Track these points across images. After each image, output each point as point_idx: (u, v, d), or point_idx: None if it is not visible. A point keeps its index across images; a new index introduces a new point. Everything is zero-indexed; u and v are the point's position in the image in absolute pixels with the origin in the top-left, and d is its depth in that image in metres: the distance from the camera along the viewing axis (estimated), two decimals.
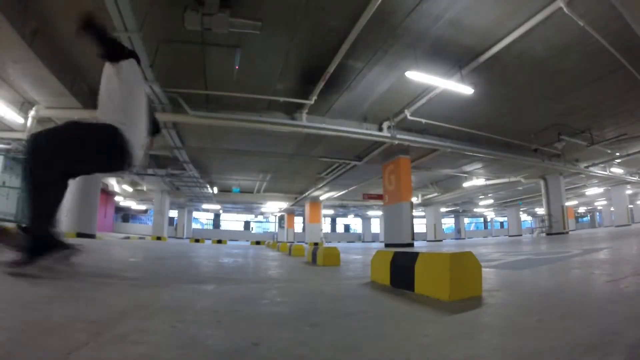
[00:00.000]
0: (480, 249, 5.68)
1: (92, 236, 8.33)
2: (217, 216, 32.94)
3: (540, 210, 23.41)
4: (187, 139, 10.32)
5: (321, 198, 20.53)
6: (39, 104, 7.72)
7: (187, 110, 7.57)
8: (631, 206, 20.58)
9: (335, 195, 19.53)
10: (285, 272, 2.68)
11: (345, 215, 31.96)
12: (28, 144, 1.74)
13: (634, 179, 16.55)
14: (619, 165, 14.72)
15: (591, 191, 20.28)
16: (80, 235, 7.95)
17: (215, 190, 18.41)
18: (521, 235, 23.91)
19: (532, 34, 5.62)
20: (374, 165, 11.97)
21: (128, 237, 14.95)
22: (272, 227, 32.19)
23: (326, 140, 9.83)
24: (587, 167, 14.00)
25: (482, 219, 39.00)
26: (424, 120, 8.75)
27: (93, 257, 3.19)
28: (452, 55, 6.38)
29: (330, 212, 28.44)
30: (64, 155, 1.74)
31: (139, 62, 2.10)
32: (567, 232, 13.66)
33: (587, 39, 5.71)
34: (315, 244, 14.79)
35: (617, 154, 12.43)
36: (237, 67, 6.39)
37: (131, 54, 2.05)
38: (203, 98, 7.86)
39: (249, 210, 28.50)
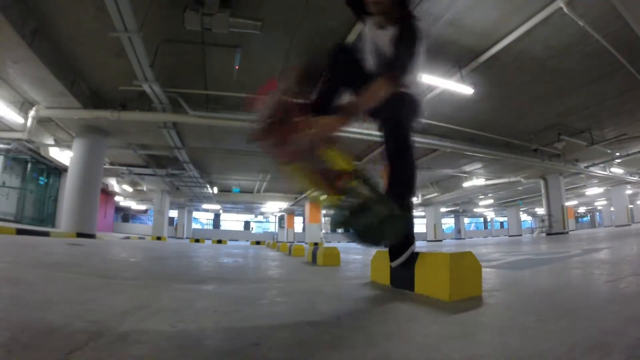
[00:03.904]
0: (480, 249, 5.68)
1: (92, 236, 8.32)
2: (217, 216, 32.93)
3: (540, 210, 23.41)
4: (187, 139, 10.33)
5: (321, 198, 20.50)
6: (39, 104, 7.72)
7: (187, 110, 7.57)
8: (631, 206, 20.56)
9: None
10: (285, 272, 2.68)
11: None
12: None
13: (634, 179, 16.54)
14: (619, 165, 14.71)
15: (591, 191, 20.27)
16: (80, 235, 7.95)
17: (215, 190, 18.41)
18: (521, 235, 23.90)
19: (532, 34, 5.62)
20: (374, 165, 11.97)
21: (128, 237, 14.95)
22: (272, 227, 32.19)
23: None
24: (587, 167, 14.00)
25: (482, 219, 38.98)
26: (424, 120, 8.75)
27: (93, 257, 3.19)
28: (452, 55, 6.38)
29: (330, 212, 28.38)
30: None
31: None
32: (567, 232, 13.65)
33: (587, 39, 5.72)
34: (315, 244, 14.79)
35: (617, 154, 12.43)
36: (237, 67, 6.39)
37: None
38: (203, 98, 7.87)
39: (249, 210, 28.49)
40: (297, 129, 1.38)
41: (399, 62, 1.52)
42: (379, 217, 1.33)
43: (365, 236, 1.36)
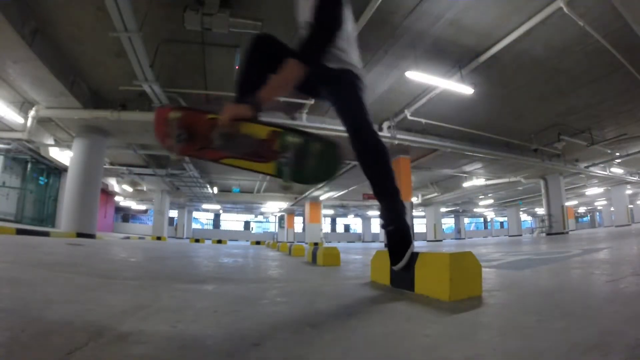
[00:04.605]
0: (480, 249, 5.68)
1: (92, 236, 8.32)
2: (217, 216, 32.93)
3: (540, 210, 23.41)
4: None
5: (321, 198, 20.54)
6: (39, 104, 7.73)
7: None
8: (631, 206, 20.56)
9: (335, 195, 19.53)
10: (285, 272, 2.68)
11: (345, 215, 31.95)
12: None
13: (634, 179, 16.55)
14: (619, 165, 14.73)
15: (591, 191, 20.28)
16: (80, 235, 7.95)
17: (215, 190, 18.42)
18: (521, 235, 23.91)
19: (532, 34, 5.62)
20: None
21: (128, 237, 14.95)
22: (272, 227, 32.19)
23: None
24: (587, 167, 14.01)
25: (482, 219, 38.99)
26: (424, 120, 8.76)
27: (93, 257, 3.19)
28: (452, 55, 6.38)
29: (330, 212, 28.43)
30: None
31: None
32: (567, 232, 13.66)
33: (587, 39, 5.72)
34: (315, 244, 14.80)
35: (617, 154, 12.44)
36: (237, 67, 6.39)
37: None
38: (203, 98, 7.87)
39: (249, 210, 28.50)
40: (208, 128, 1.43)
41: (313, 36, 1.40)
42: (318, 153, 1.40)
43: (316, 176, 1.46)
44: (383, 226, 1.54)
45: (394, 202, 1.53)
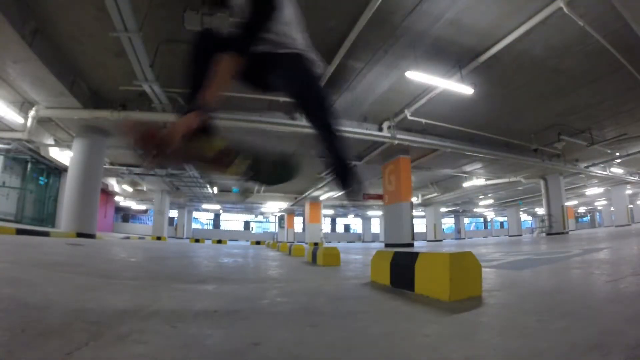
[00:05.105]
0: (480, 249, 5.68)
1: (92, 236, 8.32)
2: (217, 216, 32.92)
3: (540, 210, 23.40)
4: None
5: (321, 198, 20.53)
6: (39, 104, 7.72)
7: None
8: (631, 206, 20.55)
9: (335, 195, 19.52)
10: (286, 272, 2.68)
11: (345, 215, 31.95)
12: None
13: (634, 179, 16.54)
14: (619, 165, 14.72)
15: (591, 191, 20.27)
16: (80, 235, 7.95)
17: (215, 190, 18.41)
18: (521, 235, 23.90)
19: (532, 34, 5.62)
20: (374, 165, 11.97)
21: (128, 237, 14.95)
22: (272, 227, 32.17)
23: None
24: (587, 167, 14.00)
25: (482, 219, 38.97)
26: (424, 120, 8.76)
27: (93, 257, 3.19)
28: (452, 55, 6.38)
29: (330, 212, 28.42)
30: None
31: None
32: (567, 232, 13.66)
33: (587, 39, 5.72)
34: (315, 244, 14.78)
35: (617, 154, 12.42)
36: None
37: None
38: None
39: (249, 210, 28.49)
40: (166, 142, 1.47)
41: (243, 24, 1.36)
42: (274, 164, 1.55)
43: (273, 181, 1.60)
44: (337, 161, 1.66)
45: (341, 141, 1.68)
